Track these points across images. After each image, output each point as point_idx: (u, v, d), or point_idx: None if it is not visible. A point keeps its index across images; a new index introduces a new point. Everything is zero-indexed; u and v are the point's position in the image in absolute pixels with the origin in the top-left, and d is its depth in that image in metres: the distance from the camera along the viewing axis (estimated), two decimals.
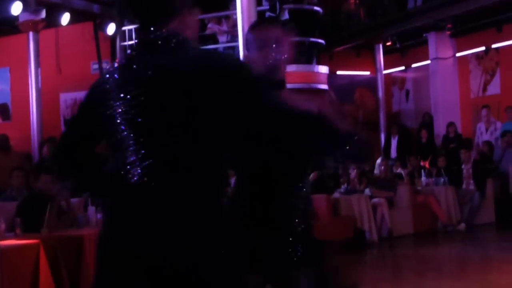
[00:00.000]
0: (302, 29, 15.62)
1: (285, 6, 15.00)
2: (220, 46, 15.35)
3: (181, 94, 2.66)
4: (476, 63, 18.58)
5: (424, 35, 18.72)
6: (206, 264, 2.63)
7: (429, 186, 13.94)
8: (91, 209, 8.39)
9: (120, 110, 2.72)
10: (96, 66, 15.49)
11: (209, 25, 15.64)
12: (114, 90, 2.75)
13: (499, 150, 14.74)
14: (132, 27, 15.29)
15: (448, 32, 18.27)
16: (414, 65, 20.35)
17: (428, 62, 18.97)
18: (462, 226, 13.19)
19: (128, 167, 2.70)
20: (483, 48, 18.29)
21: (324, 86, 16.75)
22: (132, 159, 2.70)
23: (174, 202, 2.64)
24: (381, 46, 19.03)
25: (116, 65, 2.92)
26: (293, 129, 2.84)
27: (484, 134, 15.77)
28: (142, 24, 2.83)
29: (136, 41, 2.82)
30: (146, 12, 2.80)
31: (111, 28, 14.82)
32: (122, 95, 2.73)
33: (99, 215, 8.25)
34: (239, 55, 3.45)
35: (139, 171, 2.67)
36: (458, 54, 18.89)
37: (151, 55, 2.72)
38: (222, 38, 15.34)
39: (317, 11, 16.08)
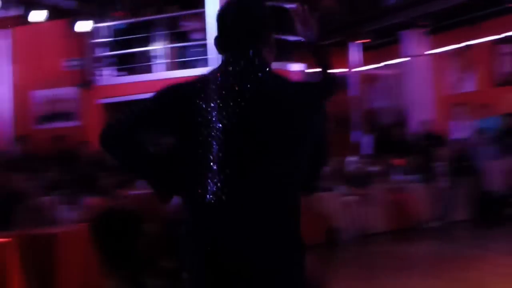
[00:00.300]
0: (279, 26, 15.65)
1: None
2: (192, 44, 15.34)
3: (273, 118, 2.91)
4: (451, 61, 18.73)
5: (399, 32, 18.74)
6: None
7: (404, 183, 14.03)
8: (63, 207, 8.40)
9: (211, 124, 2.91)
10: (69, 63, 15.43)
11: (183, 23, 15.60)
12: (208, 103, 2.95)
13: (474, 148, 14.85)
14: (105, 24, 15.26)
15: (424, 30, 18.37)
16: (389, 63, 20.45)
17: (403, 59, 19.06)
18: (437, 223, 13.28)
19: (206, 182, 2.89)
20: (458, 46, 18.36)
21: None
22: (210, 174, 2.89)
23: (252, 221, 2.86)
24: (357, 43, 19.11)
25: (208, 77, 3.11)
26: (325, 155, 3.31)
27: (459, 131, 15.86)
28: (236, 53, 3.06)
29: (229, 67, 3.01)
30: (241, 42, 3.06)
31: (84, 25, 14.78)
32: (217, 112, 2.92)
33: (71, 213, 8.28)
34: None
35: (217, 188, 2.87)
36: (433, 52, 18.86)
37: (245, 79, 2.96)
38: (195, 36, 15.24)
39: (291, 9, 16.15)
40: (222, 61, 3.12)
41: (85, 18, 14.83)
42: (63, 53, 15.36)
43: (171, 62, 15.62)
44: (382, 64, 20.67)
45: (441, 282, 7.47)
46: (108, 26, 15.31)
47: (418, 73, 18.61)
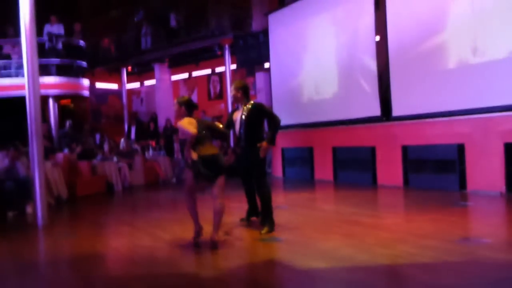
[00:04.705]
0: (72, 55, 14.93)
1: (59, 39, 14.31)
2: (12, 61, 14.39)
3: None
4: (183, 84, 18.88)
5: (153, 64, 18.60)
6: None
7: (154, 156, 13.97)
8: None
9: None
10: None
11: (5, 47, 14.71)
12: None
13: None
14: None
15: (167, 64, 18.38)
16: (146, 83, 20.27)
17: (154, 81, 18.98)
18: (174, 180, 13.39)
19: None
20: (187, 75, 18.53)
21: (87, 93, 16.10)
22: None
23: None
24: (125, 70, 18.71)
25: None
26: None
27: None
28: None
29: None
30: None
31: None
32: None
33: None
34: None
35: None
36: (172, 78, 18.99)
37: None
38: (14, 57, 14.40)
39: (82, 45, 15.61)
40: None
41: None
42: None
43: None
44: (142, 83, 20.47)
45: (176, 215, 7.53)
46: None
47: (163, 90, 18.68)
